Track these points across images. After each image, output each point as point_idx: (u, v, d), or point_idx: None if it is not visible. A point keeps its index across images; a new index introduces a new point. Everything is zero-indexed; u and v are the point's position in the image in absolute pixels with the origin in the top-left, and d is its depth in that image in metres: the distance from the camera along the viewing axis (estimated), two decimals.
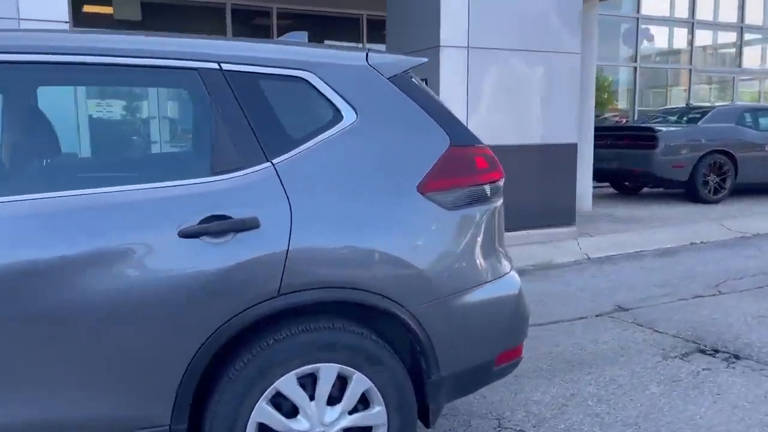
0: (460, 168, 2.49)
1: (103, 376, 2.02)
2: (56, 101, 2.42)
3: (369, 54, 2.53)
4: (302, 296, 2.20)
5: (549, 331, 4.43)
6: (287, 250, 2.16)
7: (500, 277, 2.61)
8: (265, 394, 2.19)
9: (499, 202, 2.65)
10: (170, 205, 2.10)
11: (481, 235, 2.53)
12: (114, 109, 2.25)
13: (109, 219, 2.03)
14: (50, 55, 2.09)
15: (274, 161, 2.24)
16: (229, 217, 2.12)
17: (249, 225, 2.14)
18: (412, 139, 2.46)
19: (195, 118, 2.49)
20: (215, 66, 2.26)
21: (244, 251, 2.12)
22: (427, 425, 2.53)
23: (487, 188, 2.56)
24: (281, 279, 2.15)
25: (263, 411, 2.20)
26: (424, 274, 2.36)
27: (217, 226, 2.10)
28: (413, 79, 2.58)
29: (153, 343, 2.05)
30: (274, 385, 2.20)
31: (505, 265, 2.67)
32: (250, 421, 2.18)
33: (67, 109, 2.54)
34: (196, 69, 2.24)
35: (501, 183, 2.67)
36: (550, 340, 4.23)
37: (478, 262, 2.52)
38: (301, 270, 2.18)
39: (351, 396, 2.31)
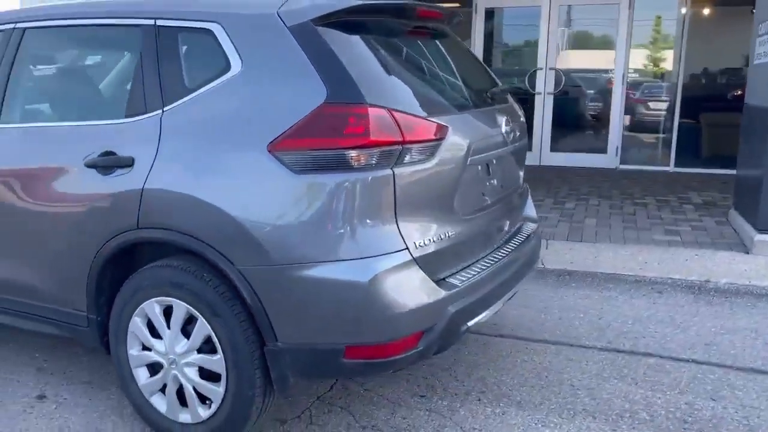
0: (322, 128, 2.19)
1: (38, 256, 2.75)
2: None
3: (286, 1, 2.42)
4: (152, 233, 2.44)
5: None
6: (142, 189, 2.42)
7: (352, 259, 2.19)
8: (136, 311, 2.55)
9: (383, 172, 2.19)
10: (84, 139, 2.61)
11: (335, 208, 2.18)
12: (73, 62, 2.87)
13: (45, 145, 2.69)
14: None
15: (165, 108, 2.48)
16: (115, 154, 2.50)
17: (125, 163, 2.48)
18: (287, 93, 2.29)
19: (125, 69, 2.85)
20: (152, 22, 2.60)
21: (118, 185, 2.49)
22: (276, 392, 2.43)
23: (353, 154, 2.16)
24: (138, 214, 2.43)
25: (135, 324, 2.57)
26: (256, 236, 2.23)
27: (104, 160, 2.52)
28: (323, 28, 2.33)
29: (65, 239, 2.65)
30: (141, 305, 2.53)
31: (369, 247, 2.20)
32: (128, 329, 2.59)
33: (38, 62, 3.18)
34: (138, 26, 2.62)
35: (396, 149, 2.20)
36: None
37: (323, 237, 2.19)
38: (150, 209, 2.41)
39: (195, 336, 2.44)
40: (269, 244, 2.23)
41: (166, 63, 2.53)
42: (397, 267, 2.23)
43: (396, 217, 2.25)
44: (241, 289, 2.28)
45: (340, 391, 3.02)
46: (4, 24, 2.97)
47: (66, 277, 2.70)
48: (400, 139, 2.21)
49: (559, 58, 8.65)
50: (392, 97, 2.30)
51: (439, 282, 2.39)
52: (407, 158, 2.26)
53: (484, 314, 2.59)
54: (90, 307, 2.68)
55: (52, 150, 2.71)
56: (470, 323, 2.49)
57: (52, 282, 2.76)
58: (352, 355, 2.25)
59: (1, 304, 2.98)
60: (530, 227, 3.29)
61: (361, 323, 2.21)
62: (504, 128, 2.83)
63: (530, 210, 3.42)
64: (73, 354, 3.37)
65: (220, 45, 2.42)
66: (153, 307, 2.51)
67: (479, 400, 2.96)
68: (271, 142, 2.22)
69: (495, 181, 2.85)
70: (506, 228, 2.98)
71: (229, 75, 2.38)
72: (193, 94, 2.44)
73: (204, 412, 2.49)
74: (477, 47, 8.78)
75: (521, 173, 3.27)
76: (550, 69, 8.58)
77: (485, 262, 2.70)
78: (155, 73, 2.53)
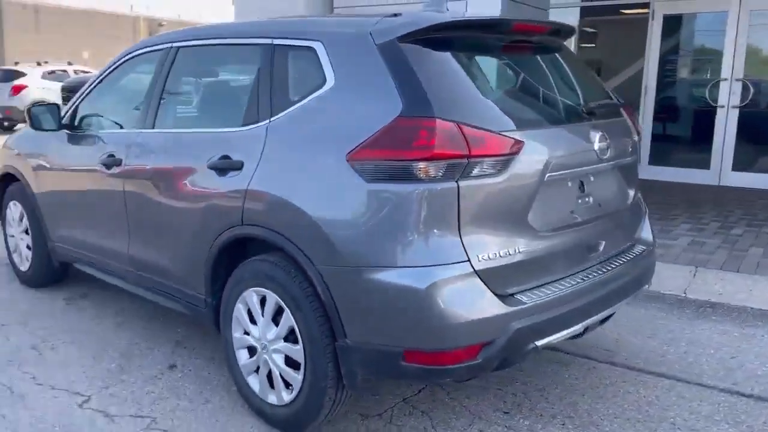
0: (394, 140, 2.31)
1: (171, 242, 3.18)
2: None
3: (381, 19, 2.58)
4: (252, 230, 2.72)
5: None
6: (246, 190, 2.72)
7: (413, 267, 2.27)
8: (239, 298, 2.86)
9: (448, 185, 2.25)
10: (209, 144, 2.98)
11: (400, 216, 2.28)
12: (207, 76, 3.34)
13: (182, 148, 3.11)
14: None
15: (271, 119, 2.76)
16: (230, 158, 2.84)
17: (236, 166, 2.80)
18: (369, 106, 2.44)
19: (246, 82, 3.12)
20: (270, 41, 2.90)
21: (230, 185, 2.81)
22: (346, 387, 2.57)
23: (419, 165, 2.25)
24: (242, 212, 2.74)
25: (238, 310, 2.88)
26: (332, 238, 2.41)
27: (221, 163, 2.86)
28: (408, 45, 2.45)
29: (190, 229, 3.04)
30: (243, 294, 2.83)
31: (430, 256, 2.26)
32: (233, 314, 2.91)
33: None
34: (260, 45, 2.94)
35: (462, 162, 2.25)
36: None
37: (388, 243, 2.30)
38: (251, 208, 2.70)
39: (282, 325, 2.68)
40: (342, 246, 2.39)
41: (277, 77, 2.81)
42: (457, 278, 2.28)
43: (459, 229, 2.30)
44: (318, 286, 2.47)
45: (426, 395, 3.10)
46: (164, 44, 3.48)
47: (190, 263, 3.10)
48: (466, 152, 2.26)
49: (747, 68, 7.84)
50: (465, 111, 2.35)
51: (505, 297, 2.38)
52: (474, 171, 2.30)
53: (559, 335, 2.53)
54: (207, 291, 3.05)
55: (186, 153, 3.13)
56: (540, 342, 2.45)
57: (180, 266, 3.18)
58: (411, 360, 2.33)
59: (146, 283, 3.49)
60: (640, 249, 3.12)
61: (419, 329, 2.29)
62: (600, 144, 2.73)
63: (645, 232, 3.24)
64: (206, 332, 3.81)
65: (319, 61, 2.64)
66: (252, 296, 2.79)
67: (563, 424, 2.87)
68: (350, 152, 2.38)
69: (590, 199, 2.76)
70: (603, 248, 2.85)
71: (323, 89, 2.60)
72: (295, 106, 2.69)
73: (287, 396, 2.72)
74: (652, 56, 8.25)
75: (630, 192, 3.10)
76: (737, 80, 7.81)
77: (569, 281, 2.63)
78: (268, 86, 2.82)
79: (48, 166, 4.14)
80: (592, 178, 2.78)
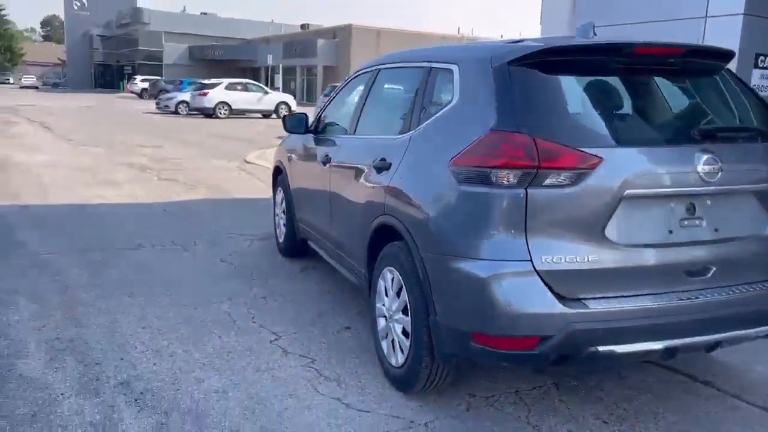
0: (481, 150, 2.70)
1: (350, 224, 3.92)
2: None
3: (504, 45, 2.98)
4: (388, 219, 3.32)
5: None
6: (388, 186, 3.34)
7: (482, 259, 2.61)
8: (380, 275, 3.49)
9: (517, 191, 2.56)
10: (377, 148, 3.66)
11: (478, 215, 2.65)
12: (386, 93, 3.90)
13: (363, 149, 3.85)
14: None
15: (416, 129, 3.34)
16: (385, 160, 3.49)
17: (386, 167, 3.44)
18: (475, 120, 2.86)
19: (408, 98, 3.61)
20: (428, 65, 3.48)
21: (381, 181, 3.46)
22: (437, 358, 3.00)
23: (495, 172, 2.61)
24: (384, 204, 3.37)
25: (379, 285, 3.51)
26: (431, 229, 2.90)
27: (379, 163, 3.53)
28: (516, 67, 2.80)
29: (359, 215, 3.75)
30: (382, 271, 3.46)
31: (497, 252, 2.58)
32: (377, 287, 3.56)
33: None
34: (421, 67, 3.54)
35: (531, 172, 2.54)
36: None
37: (468, 236, 2.68)
38: (389, 201, 3.31)
39: (401, 301, 3.23)
40: (437, 237, 2.87)
41: (427, 94, 3.36)
42: (517, 273, 2.58)
43: (525, 231, 2.59)
44: (420, 270, 2.97)
45: (538, 393, 3.34)
46: (371, 67, 4.28)
47: (358, 242, 3.82)
48: (536, 163, 2.55)
49: None
50: (550, 127, 2.63)
51: (570, 299, 2.59)
52: (546, 181, 2.56)
53: (629, 347, 2.62)
54: (365, 266, 3.74)
55: (364, 153, 3.86)
56: (602, 348, 2.58)
57: (353, 244, 3.93)
58: (476, 341, 2.69)
59: (339, 258, 4.32)
60: None
61: (481, 314, 2.65)
62: (707, 168, 2.69)
63: None
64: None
65: (453, 81, 3.13)
66: (386, 274, 3.39)
67: None
68: (451, 158, 2.84)
69: (701, 222, 2.75)
70: (713, 273, 2.78)
71: (450, 105, 3.08)
72: (431, 119, 3.22)
73: (401, 359, 3.26)
74: None
75: (762, 220, 2.91)
76: None
77: (655, 298, 2.67)
78: (421, 101, 3.39)
79: (297, 160, 5.29)
80: (708, 202, 2.76)
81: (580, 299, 2.62)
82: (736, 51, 4.96)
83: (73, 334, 3.90)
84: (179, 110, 28.66)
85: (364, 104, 4.20)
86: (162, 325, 4.11)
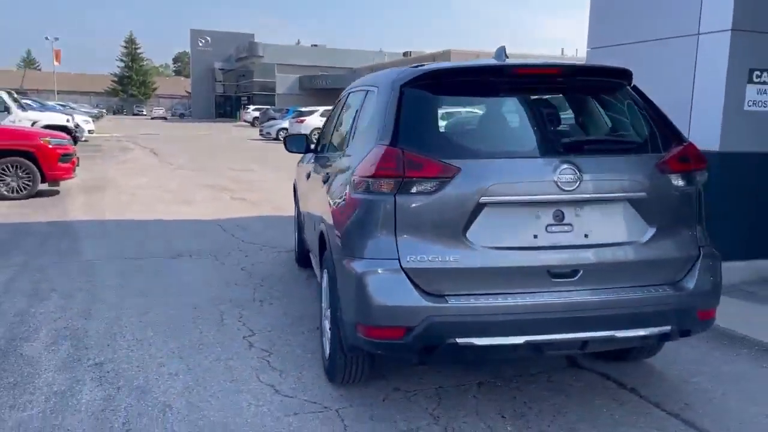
0: (368, 161, 3.05)
1: (311, 236, 4.31)
2: None
3: (407, 69, 3.33)
4: (322, 227, 3.70)
5: None
6: (324, 197, 3.72)
7: (361, 258, 2.93)
8: (321, 276, 3.86)
9: (388, 197, 2.88)
10: (330, 164, 4.05)
11: (361, 219, 2.98)
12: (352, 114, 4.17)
13: (320, 166, 4.26)
14: None
15: (348, 146, 3.72)
16: (328, 175, 3.88)
17: (327, 180, 3.83)
18: (374, 135, 3.18)
19: (352, 119, 3.95)
20: (367, 88, 3.85)
21: (323, 194, 3.85)
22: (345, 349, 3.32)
23: (371, 181, 2.96)
24: (321, 214, 3.75)
25: (322, 286, 3.89)
26: (337, 233, 3.25)
27: (324, 177, 3.92)
28: (408, 89, 3.13)
29: (316, 218, 4.14)
30: (322, 273, 3.83)
31: (372, 251, 2.89)
32: (322, 289, 3.93)
33: None
34: (364, 90, 3.91)
35: (399, 181, 2.86)
36: None
37: (355, 238, 3.01)
38: (324, 211, 3.69)
39: (326, 298, 3.59)
40: (340, 239, 3.22)
41: (360, 114, 3.72)
42: (386, 270, 2.88)
43: (395, 233, 2.89)
44: (334, 270, 3.31)
45: (459, 388, 3.56)
46: (347, 89, 4.70)
47: (316, 246, 4.21)
48: (402, 173, 2.85)
49: None
50: (422, 141, 2.93)
51: (432, 295, 2.85)
52: (412, 189, 2.86)
53: (487, 340, 2.83)
54: (318, 267, 4.12)
55: (322, 169, 4.26)
56: (461, 340, 2.82)
57: (315, 253, 4.32)
58: (359, 332, 3.00)
59: (315, 268, 4.73)
60: (664, 291, 3.00)
61: (360, 307, 2.95)
62: (566, 177, 2.86)
63: (690, 279, 3.05)
64: None
65: (373, 102, 3.47)
66: (324, 277, 3.75)
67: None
68: (353, 170, 3.19)
69: (571, 228, 2.92)
70: (581, 276, 2.93)
71: (366, 123, 3.43)
72: (356, 136, 3.58)
73: (327, 353, 3.59)
74: None
75: (647, 229, 3.01)
76: None
77: (517, 297, 2.86)
78: (356, 121, 3.76)
79: (303, 176, 5.77)
80: (578, 209, 2.93)
81: (442, 295, 2.87)
82: (725, 67, 4.94)
83: (80, 324, 4.54)
84: (279, 136, 30.31)
85: (335, 124, 4.62)
86: (156, 320, 4.67)
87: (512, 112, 3.25)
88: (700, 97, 5.28)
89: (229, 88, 77.73)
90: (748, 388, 3.63)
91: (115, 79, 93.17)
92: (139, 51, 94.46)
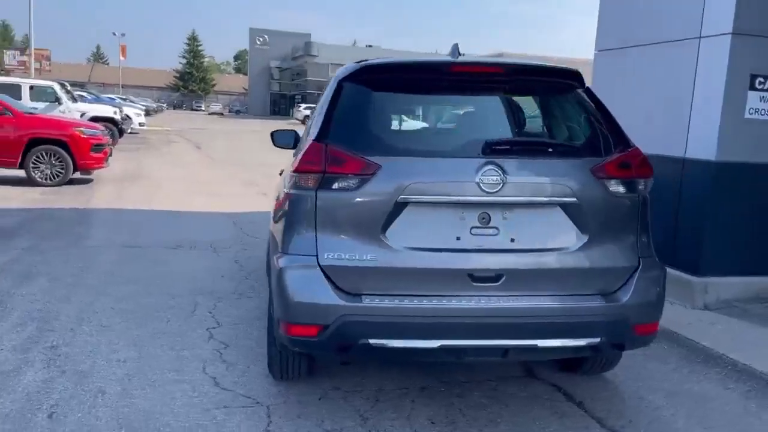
0: (299, 157, 3.01)
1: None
2: None
3: (350, 65, 3.27)
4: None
5: None
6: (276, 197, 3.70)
7: (284, 253, 2.89)
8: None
9: (309, 193, 2.84)
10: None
11: (287, 214, 2.95)
12: None
13: None
14: None
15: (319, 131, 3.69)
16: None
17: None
18: (311, 130, 3.17)
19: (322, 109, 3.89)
20: (335, 81, 3.81)
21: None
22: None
23: (296, 176, 2.92)
24: (271, 213, 3.73)
25: None
26: (271, 230, 3.24)
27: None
28: (346, 83, 3.08)
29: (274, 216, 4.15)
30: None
31: (293, 247, 2.85)
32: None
33: None
34: (333, 82, 3.88)
35: (320, 176, 2.82)
36: None
37: (282, 234, 2.97)
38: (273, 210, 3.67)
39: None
40: (273, 235, 3.19)
41: (316, 110, 3.69)
42: (304, 267, 2.84)
43: (316, 229, 2.84)
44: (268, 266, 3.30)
45: (400, 391, 3.50)
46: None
47: None
48: (323, 169, 2.81)
49: None
50: (349, 137, 2.87)
51: (348, 294, 2.79)
52: (333, 185, 2.81)
53: (400, 342, 2.76)
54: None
55: None
56: (374, 341, 2.75)
57: None
58: (281, 328, 2.97)
59: None
60: (597, 303, 2.86)
61: (281, 303, 2.92)
62: (490, 179, 2.76)
63: (624, 292, 2.90)
64: None
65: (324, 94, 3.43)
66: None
67: None
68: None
69: (497, 232, 2.82)
70: (505, 281, 2.82)
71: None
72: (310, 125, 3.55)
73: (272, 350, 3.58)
74: None
75: (579, 236, 2.87)
76: None
77: (434, 300, 2.78)
78: (313, 116, 3.73)
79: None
80: (505, 213, 2.83)
81: (358, 294, 2.81)
82: (724, 72, 4.70)
83: (55, 307, 4.66)
84: None
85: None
86: (129, 308, 4.75)
87: (445, 110, 3.16)
88: (699, 103, 5.04)
89: (285, 86, 78.96)
90: (704, 409, 3.44)
91: (177, 74, 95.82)
92: (200, 48, 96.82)
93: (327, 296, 2.80)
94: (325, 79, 68.12)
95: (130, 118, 25.73)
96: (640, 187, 2.99)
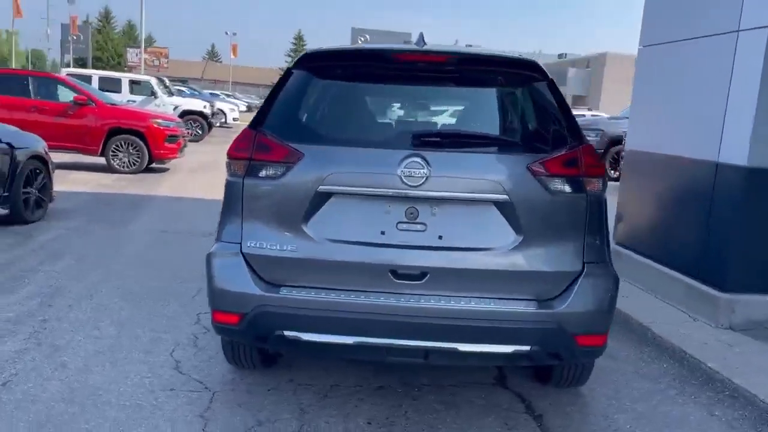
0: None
1: None
2: None
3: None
4: None
5: None
6: None
7: (217, 241, 2.87)
8: None
9: (237, 180, 2.82)
10: None
11: (224, 200, 2.93)
12: None
13: None
14: None
15: None
16: None
17: None
18: None
19: None
20: None
21: None
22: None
23: (230, 162, 2.90)
24: None
25: None
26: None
27: None
28: (295, 71, 3.01)
29: None
30: None
31: (223, 234, 2.83)
32: None
33: None
34: None
35: (247, 163, 2.79)
36: None
37: (220, 220, 2.96)
38: None
39: None
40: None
41: None
42: (227, 254, 2.82)
43: (242, 217, 2.81)
44: None
45: (354, 389, 3.41)
46: None
47: None
48: (250, 155, 2.77)
49: None
50: (281, 125, 2.82)
51: (268, 283, 2.74)
52: (260, 172, 2.77)
53: (316, 336, 2.69)
54: None
55: None
56: (288, 333, 2.69)
57: None
58: (212, 315, 2.96)
59: None
60: (529, 308, 2.65)
61: (207, 288, 2.92)
62: (408, 172, 2.61)
63: (562, 300, 2.67)
64: None
65: None
66: None
67: None
68: None
69: (424, 228, 2.68)
70: (429, 279, 2.67)
71: None
72: None
73: None
74: None
75: (512, 236, 2.66)
76: None
77: (352, 295, 2.67)
78: None
79: None
80: (433, 208, 2.68)
81: (278, 285, 2.75)
82: (759, 69, 4.28)
83: (67, 285, 4.89)
84: None
85: None
86: (134, 289, 4.90)
87: (386, 100, 3.03)
88: (734, 102, 4.59)
89: None
90: None
91: (281, 72, 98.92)
92: (305, 47, 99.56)
93: (246, 285, 2.76)
94: None
95: (223, 112, 26.85)
96: (588, 186, 2.74)
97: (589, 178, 2.73)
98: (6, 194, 6.62)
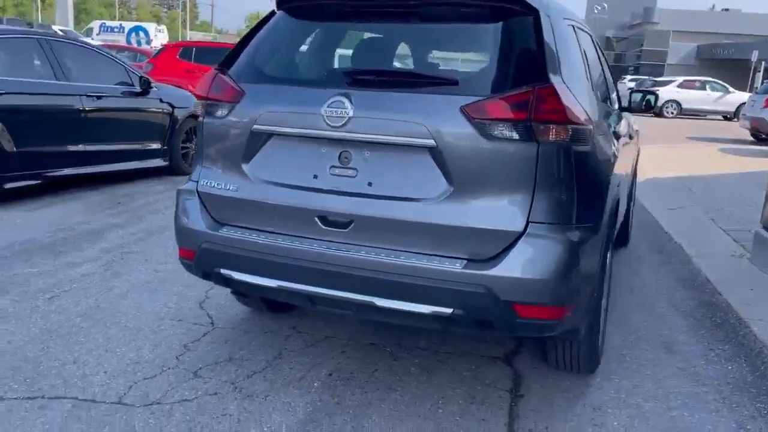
0: None
1: None
2: None
3: None
4: None
5: None
6: None
7: (189, 179, 2.98)
8: None
9: (200, 120, 2.89)
10: None
11: (197, 141, 3.03)
12: None
13: None
14: None
15: None
16: None
17: None
18: None
19: None
20: None
21: None
22: None
23: (198, 103, 2.97)
24: None
25: None
26: None
27: None
28: (278, 11, 2.99)
29: None
30: None
31: (194, 173, 2.92)
32: None
33: None
34: None
35: (205, 103, 2.85)
36: None
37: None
38: None
39: None
40: None
41: None
42: (187, 192, 2.92)
43: (202, 157, 2.89)
44: None
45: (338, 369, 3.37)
46: None
47: None
48: (207, 95, 2.83)
49: None
50: (247, 65, 2.83)
51: (215, 222, 2.80)
52: (215, 112, 2.81)
53: (245, 276, 2.68)
54: None
55: None
56: (223, 271, 2.72)
57: None
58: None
59: None
60: (449, 268, 2.36)
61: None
62: (330, 111, 2.44)
63: (497, 259, 2.33)
64: None
65: None
66: None
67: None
68: None
69: (356, 174, 2.51)
70: (354, 227, 2.49)
71: None
72: None
73: None
74: None
75: (433, 185, 2.36)
76: None
77: (280, 238, 2.61)
78: None
79: None
80: (366, 153, 2.50)
81: (222, 224, 2.78)
82: None
83: (89, 256, 4.58)
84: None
85: None
86: (132, 261, 4.52)
87: (338, 39, 2.85)
88: None
89: (617, 57, 74.30)
90: None
91: None
92: None
93: (196, 222, 2.84)
94: (665, 48, 62.27)
95: None
96: (541, 135, 2.32)
97: (543, 124, 2.31)
98: (165, 148, 7.53)
